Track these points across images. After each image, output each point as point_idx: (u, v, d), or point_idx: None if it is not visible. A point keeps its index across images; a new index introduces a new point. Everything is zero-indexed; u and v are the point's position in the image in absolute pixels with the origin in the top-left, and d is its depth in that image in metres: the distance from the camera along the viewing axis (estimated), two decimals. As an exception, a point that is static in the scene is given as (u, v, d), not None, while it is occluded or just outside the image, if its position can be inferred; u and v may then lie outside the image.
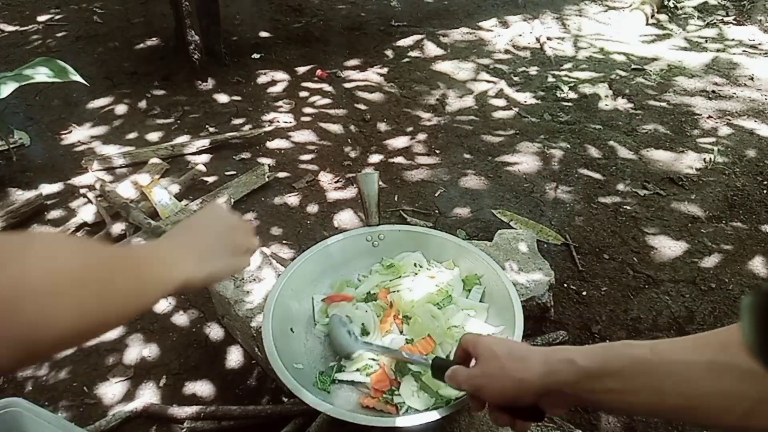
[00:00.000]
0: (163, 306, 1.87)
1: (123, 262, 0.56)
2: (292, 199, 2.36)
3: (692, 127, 2.77)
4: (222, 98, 3.11)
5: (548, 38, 3.73)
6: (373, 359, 1.19)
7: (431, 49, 3.65)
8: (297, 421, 1.41)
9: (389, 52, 3.61)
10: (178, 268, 0.64)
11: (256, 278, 1.62)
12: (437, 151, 2.64)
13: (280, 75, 3.34)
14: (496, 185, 2.41)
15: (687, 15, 4.16)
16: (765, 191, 2.34)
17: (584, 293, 1.87)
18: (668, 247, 2.06)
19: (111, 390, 1.61)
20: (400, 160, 2.59)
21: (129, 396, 1.59)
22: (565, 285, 1.90)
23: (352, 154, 2.64)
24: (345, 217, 2.25)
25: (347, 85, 3.23)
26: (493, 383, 0.75)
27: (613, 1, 4.41)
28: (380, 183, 2.17)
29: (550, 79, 3.25)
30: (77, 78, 2.23)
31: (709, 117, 2.83)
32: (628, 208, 2.25)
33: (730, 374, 0.53)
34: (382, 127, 2.84)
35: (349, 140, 2.74)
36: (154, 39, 3.75)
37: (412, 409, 1.12)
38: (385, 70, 3.39)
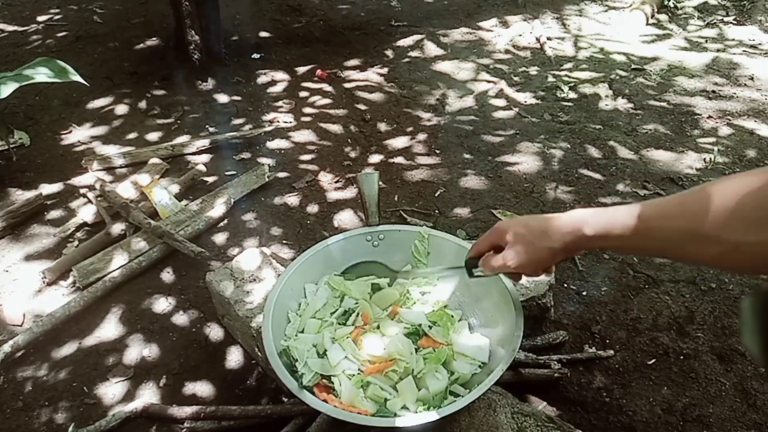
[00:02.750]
0: (163, 306, 1.87)
1: None
2: (292, 199, 2.36)
3: (692, 127, 2.77)
4: (222, 98, 3.11)
5: (548, 38, 3.73)
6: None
7: (431, 49, 3.65)
8: (297, 421, 1.41)
9: (389, 52, 3.61)
10: None
11: (256, 278, 1.62)
12: (437, 151, 2.64)
13: (280, 75, 3.34)
14: (496, 185, 2.41)
15: (687, 15, 4.16)
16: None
17: (584, 293, 1.87)
18: (668, 247, 2.05)
19: (111, 390, 1.61)
20: (400, 160, 2.59)
21: (129, 396, 1.59)
22: (565, 285, 1.90)
23: (352, 154, 2.64)
24: (345, 217, 2.25)
25: (347, 85, 3.23)
26: (530, 258, 0.92)
27: (614, 1, 4.41)
28: (380, 183, 2.17)
29: (551, 79, 3.25)
30: (77, 78, 2.24)
31: (710, 117, 2.83)
32: (628, 208, 2.25)
33: (697, 239, 0.68)
34: (382, 127, 2.84)
35: (349, 140, 2.74)
36: (154, 39, 3.75)
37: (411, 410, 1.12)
38: (385, 70, 3.39)
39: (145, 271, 2.00)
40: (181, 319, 1.82)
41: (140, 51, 3.64)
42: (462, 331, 1.27)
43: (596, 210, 0.84)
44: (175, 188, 2.32)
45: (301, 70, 3.39)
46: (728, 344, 1.68)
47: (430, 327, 1.28)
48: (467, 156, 2.60)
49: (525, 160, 2.55)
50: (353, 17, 4.13)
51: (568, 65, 3.40)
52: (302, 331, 1.28)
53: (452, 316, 1.30)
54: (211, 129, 2.84)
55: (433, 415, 1.02)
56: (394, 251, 1.44)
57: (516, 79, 3.26)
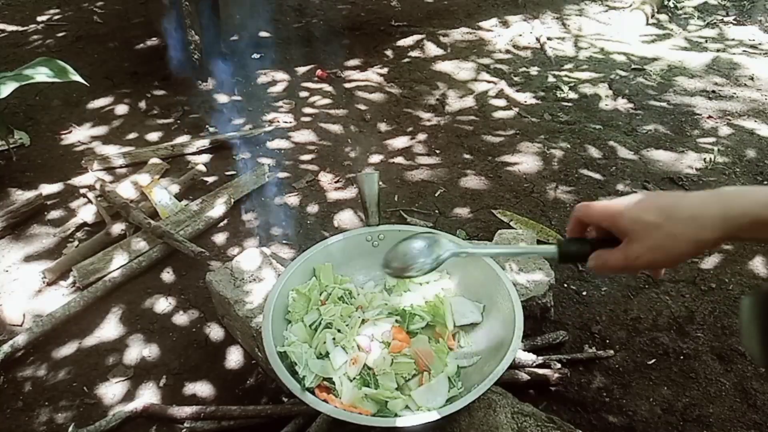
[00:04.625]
0: (163, 306, 1.87)
1: None
2: (292, 199, 2.36)
3: (692, 127, 2.77)
4: (222, 98, 3.11)
5: (548, 38, 3.73)
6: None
7: (431, 49, 3.65)
8: (297, 421, 1.41)
9: (389, 52, 3.61)
10: None
11: (256, 278, 1.62)
12: (437, 151, 2.64)
13: (280, 75, 3.34)
14: (496, 185, 2.41)
15: (687, 15, 4.16)
16: None
17: (584, 293, 1.87)
18: (668, 247, 2.05)
19: (111, 390, 1.61)
20: (400, 160, 2.59)
21: (129, 396, 1.59)
22: (565, 285, 1.90)
23: (352, 154, 2.64)
24: (345, 217, 2.25)
25: (347, 85, 3.23)
26: (667, 254, 0.69)
27: (614, 1, 4.41)
28: (380, 183, 2.17)
29: (551, 79, 3.24)
30: (77, 78, 2.23)
31: (710, 117, 2.83)
32: (628, 208, 2.25)
33: None
34: (382, 127, 2.84)
35: (349, 140, 2.74)
36: (154, 39, 3.75)
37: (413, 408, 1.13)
38: (385, 70, 3.39)
39: (145, 271, 2.00)
40: (181, 319, 1.82)
41: (140, 51, 3.64)
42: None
43: (763, 188, 0.66)
44: (175, 188, 2.32)
45: (301, 70, 3.39)
46: (728, 344, 1.68)
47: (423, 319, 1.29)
48: (467, 156, 2.60)
49: (525, 160, 2.55)
50: (353, 17, 4.13)
51: (569, 65, 3.40)
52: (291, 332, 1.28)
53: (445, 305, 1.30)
54: (211, 129, 2.84)
55: (433, 415, 1.02)
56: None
57: (516, 79, 3.26)
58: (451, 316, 1.28)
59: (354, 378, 1.18)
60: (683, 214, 0.67)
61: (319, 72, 3.33)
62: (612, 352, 1.66)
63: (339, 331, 1.26)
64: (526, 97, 3.08)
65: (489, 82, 3.24)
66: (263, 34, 3.87)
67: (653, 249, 0.68)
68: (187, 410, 1.49)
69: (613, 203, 0.73)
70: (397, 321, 1.29)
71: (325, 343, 1.23)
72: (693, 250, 0.67)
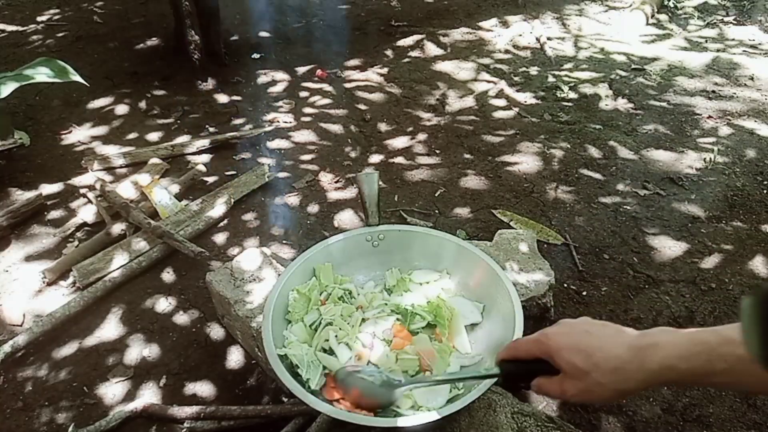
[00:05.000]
0: (163, 306, 1.87)
1: None
2: (292, 199, 2.36)
3: (692, 127, 2.77)
4: (222, 98, 3.11)
5: (548, 38, 3.73)
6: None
7: (431, 49, 3.65)
8: (297, 421, 1.41)
9: (389, 52, 3.61)
10: None
11: (256, 278, 1.62)
12: (437, 151, 2.64)
13: (280, 75, 3.34)
14: (496, 185, 2.41)
15: (687, 15, 4.16)
16: (765, 191, 2.34)
17: (584, 293, 1.87)
18: (668, 247, 2.06)
19: (111, 390, 1.61)
20: (400, 160, 2.59)
21: (129, 396, 1.59)
22: (565, 285, 1.90)
23: (352, 154, 2.64)
24: (345, 217, 2.25)
25: (347, 85, 3.23)
26: (596, 397, 0.76)
27: (614, 1, 4.41)
28: (380, 183, 2.17)
29: (551, 79, 3.25)
30: (77, 78, 2.24)
31: (710, 117, 2.83)
32: (629, 208, 2.25)
33: None
34: (383, 127, 2.84)
35: (349, 140, 2.74)
36: (154, 39, 3.75)
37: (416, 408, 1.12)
38: (385, 70, 3.39)
39: (145, 271, 2.00)
40: (181, 319, 1.82)
41: (140, 51, 3.64)
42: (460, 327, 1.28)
43: (687, 334, 0.69)
44: (175, 188, 2.32)
45: (301, 70, 3.40)
46: (728, 344, 1.68)
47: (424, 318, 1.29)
48: (467, 156, 2.60)
49: (525, 160, 2.55)
50: (353, 17, 4.13)
51: (569, 65, 3.40)
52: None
53: (452, 309, 1.30)
54: (211, 129, 2.84)
55: (433, 415, 1.02)
56: (394, 251, 1.44)
57: (516, 79, 3.26)
58: (460, 319, 1.28)
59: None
60: (608, 366, 0.73)
61: (319, 72, 3.33)
62: (612, 352, 1.66)
63: (340, 329, 1.26)
64: (526, 97, 3.08)
65: (489, 82, 3.24)
66: (263, 34, 3.87)
67: (584, 391, 0.75)
68: (187, 410, 1.49)
69: (545, 340, 0.79)
70: (398, 320, 1.29)
71: (327, 340, 1.23)
72: (618, 396, 0.74)
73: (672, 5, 4.24)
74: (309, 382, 1.14)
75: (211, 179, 2.47)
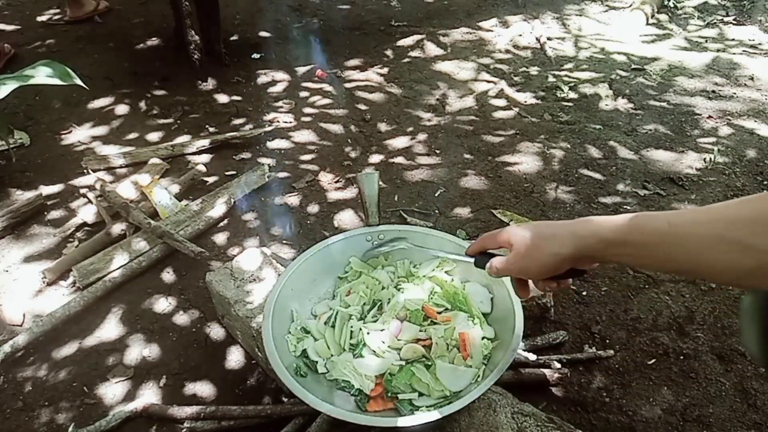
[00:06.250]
0: (163, 306, 1.87)
1: None
2: (292, 199, 2.36)
3: (692, 127, 2.77)
4: (222, 98, 3.11)
5: (548, 38, 3.73)
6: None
7: (431, 49, 3.65)
8: (297, 421, 1.41)
9: (389, 52, 3.61)
10: None
11: (256, 278, 1.62)
12: (437, 151, 2.64)
13: (280, 75, 3.34)
14: (496, 185, 2.41)
15: (687, 15, 4.16)
16: (765, 191, 2.34)
17: (584, 293, 1.87)
18: (668, 247, 2.05)
19: (111, 390, 1.61)
20: (400, 160, 2.59)
21: (129, 396, 1.59)
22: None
23: (353, 154, 2.64)
24: (345, 217, 2.25)
25: (347, 85, 3.23)
26: (533, 262, 0.86)
27: (614, 1, 4.41)
28: (380, 183, 2.17)
29: (551, 79, 3.25)
30: (78, 82, 2.23)
31: (710, 117, 2.83)
32: (629, 208, 2.25)
33: (734, 248, 0.61)
34: (383, 127, 2.84)
35: (349, 140, 2.74)
36: (154, 39, 3.75)
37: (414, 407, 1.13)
38: (385, 70, 3.39)
39: (145, 271, 2.00)
40: (181, 319, 1.82)
41: (140, 51, 3.64)
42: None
43: (615, 216, 0.77)
44: (175, 188, 2.32)
45: (301, 70, 3.39)
46: (728, 344, 1.68)
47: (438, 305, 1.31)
48: (467, 156, 2.60)
49: (525, 160, 2.55)
50: (353, 17, 4.13)
51: (569, 65, 3.40)
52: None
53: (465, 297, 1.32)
54: (211, 129, 2.84)
55: (433, 415, 1.02)
56: (394, 251, 1.44)
57: (516, 79, 3.26)
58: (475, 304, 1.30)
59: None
60: (547, 232, 0.84)
61: (319, 72, 3.33)
62: (612, 352, 1.66)
63: (363, 320, 1.29)
64: (526, 97, 3.08)
65: (489, 82, 3.24)
66: (263, 34, 3.87)
67: (525, 257, 0.87)
68: (187, 410, 1.49)
69: (506, 228, 0.93)
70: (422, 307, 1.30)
71: (359, 332, 1.24)
72: (553, 261, 0.83)
73: (672, 5, 4.24)
74: (363, 388, 1.15)
75: (211, 179, 2.47)
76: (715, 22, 4.00)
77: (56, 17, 4.09)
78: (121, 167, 2.55)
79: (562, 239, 0.81)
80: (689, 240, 0.66)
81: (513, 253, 0.89)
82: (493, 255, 0.98)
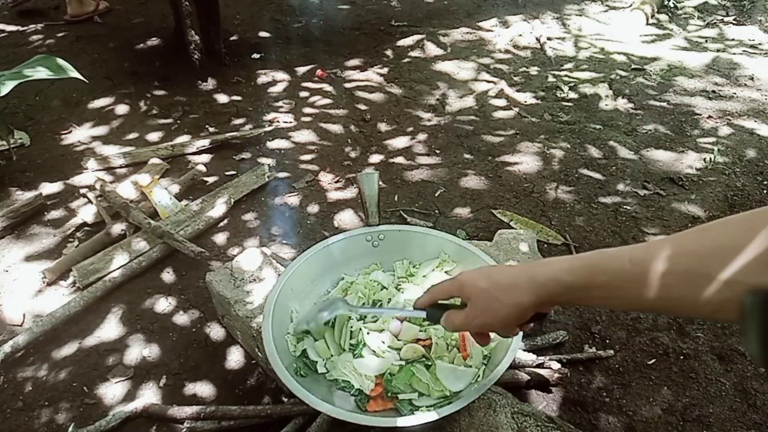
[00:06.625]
0: (163, 306, 1.87)
1: None
2: (292, 199, 2.36)
3: (692, 127, 2.77)
4: (222, 98, 3.11)
5: (548, 38, 3.73)
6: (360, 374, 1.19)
7: (431, 49, 3.65)
8: (297, 421, 1.41)
9: (389, 52, 3.61)
10: None
11: (256, 278, 1.62)
12: (437, 151, 2.64)
13: (280, 75, 3.34)
14: (496, 185, 2.41)
15: (687, 15, 4.16)
16: (765, 191, 2.34)
17: (584, 293, 1.87)
18: (668, 247, 2.05)
19: (111, 390, 1.61)
20: (400, 160, 2.59)
21: (129, 396, 1.59)
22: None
23: (353, 154, 2.64)
24: (345, 217, 2.25)
25: (347, 85, 3.23)
26: (494, 317, 0.81)
27: (614, 1, 4.41)
28: (380, 183, 2.17)
29: (551, 79, 3.25)
30: (76, 74, 2.23)
31: (710, 117, 2.83)
32: (629, 208, 2.25)
33: (701, 282, 0.58)
34: (383, 127, 2.84)
35: (349, 140, 2.74)
36: (154, 39, 3.75)
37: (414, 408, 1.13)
38: (385, 70, 3.39)
39: (145, 271, 2.00)
40: (181, 319, 1.82)
41: (140, 51, 3.64)
42: None
43: (574, 256, 0.75)
44: (175, 188, 2.32)
45: (301, 70, 3.39)
46: (728, 344, 1.68)
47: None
48: (467, 156, 2.60)
49: (525, 160, 2.55)
50: (353, 17, 4.13)
51: (569, 65, 3.40)
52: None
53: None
54: (211, 129, 2.84)
55: (433, 415, 1.02)
56: (394, 251, 1.45)
57: (516, 79, 3.26)
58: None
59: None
60: (505, 281, 0.79)
61: (319, 72, 3.33)
62: (612, 352, 1.66)
63: (364, 321, 1.29)
64: (526, 97, 3.08)
65: (489, 82, 3.24)
66: (263, 34, 3.87)
67: (485, 310, 0.82)
68: (187, 410, 1.49)
69: (458, 277, 0.88)
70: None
71: (359, 332, 1.24)
72: (515, 312, 0.78)
73: (672, 5, 4.24)
74: (363, 388, 1.16)
75: (211, 179, 2.47)
76: (715, 22, 4.00)
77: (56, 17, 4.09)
78: (121, 167, 2.55)
79: (520, 288, 0.77)
80: (659, 280, 0.63)
81: (470, 308, 0.84)
82: (446, 307, 0.92)
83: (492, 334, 0.93)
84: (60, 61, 2.26)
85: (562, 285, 0.73)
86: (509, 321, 0.80)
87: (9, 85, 2.09)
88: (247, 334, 1.54)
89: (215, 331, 1.77)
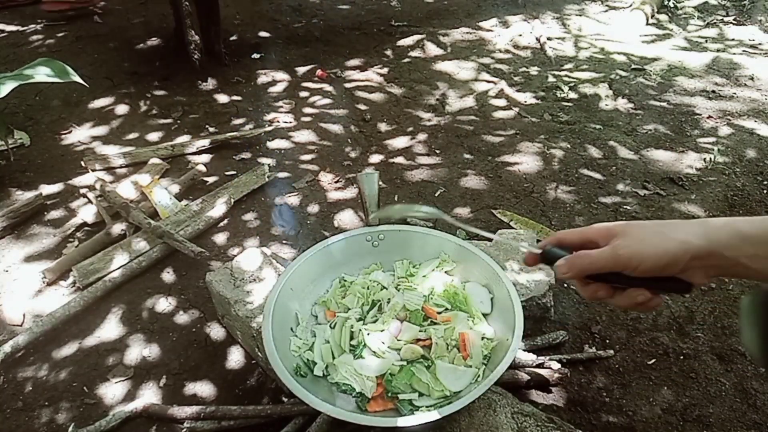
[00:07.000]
0: (163, 306, 1.87)
1: None
2: (292, 199, 2.36)
3: (692, 127, 2.77)
4: (222, 98, 3.11)
5: (548, 38, 3.73)
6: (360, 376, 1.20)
7: (431, 49, 3.65)
8: (297, 421, 1.41)
9: (389, 52, 3.61)
10: None
11: (256, 278, 1.62)
12: (437, 151, 2.64)
13: (280, 75, 3.34)
14: (496, 185, 2.41)
15: (687, 15, 4.16)
16: (765, 191, 2.34)
17: (584, 293, 1.87)
18: (668, 247, 2.05)
19: (111, 390, 1.61)
20: (400, 160, 2.59)
21: (129, 396, 1.59)
22: (565, 285, 1.89)
23: (353, 154, 2.64)
24: (345, 217, 2.25)
25: (347, 85, 3.23)
26: (648, 248, 0.66)
27: (614, 1, 4.41)
28: (380, 183, 2.17)
29: (551, 79, 3.25)
30: (77, 78, 2.23)
31: (710, 117, 2.83)
32: (629, 208, 2.25)
33: None
34: (383, 127, 2.84)
35: (349, 140, 2.74)
36: (154, 39, 3.75)
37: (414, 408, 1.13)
38: (385, 70, 3.39)
39: (145, 271, 2.00)
40: (181, 319, 1.82)
41: (140, 51, 3.64)
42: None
43: (733, 220, 0.65)
44: (175, 188, 2.32)
45: (301, 70, 3.39)
46: (728, 344, 1.68)
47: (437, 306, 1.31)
48: (467, 156, 2.60)
49: (525, 160, 2.55)
50: (353, 17, 4.13)
51: (569, 65, 3.40)
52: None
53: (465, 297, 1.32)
54: (211, 129, 2.84)
55: (433, 415, 1.02)
56: (394, 251, 1.45)
57: (516, 79, 3.26)
58: (474, 304, 1.31)
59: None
60: (669, 223, 0.67)
61: (319, 72, 3.33)
62: (612, 352, 1.66)
63: (363, 321, 1.29)
64: (526, 97, 3.08)
65: (489, 82, 3.24)
66: (263, 34, 3.87)
67: (641, 240, 0.67)
68: (187, 410, 1.49)
69: (607, 224, 0.73)
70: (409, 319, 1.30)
71: (359, 333, 1.24)
72: (678, 250, 0.65)
73: (672, 5, 4.24)
74: (365, 391, 1.16)
75: (211, 179, 2.47)
76: (715, 22, 4.00)
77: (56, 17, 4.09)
78: (121, 167, 2.55)
79: (690, 228, 0.66)
80: None
81: (625, 239, 0.68)
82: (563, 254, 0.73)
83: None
84: (61, 64, 2.26)
85: (739, 235, 0.63)
86: (665, 260, 0.65)
87: (9, 86, 2.09)
88: (247, 334, 1.54)
89: (215, 331, 1.77)
